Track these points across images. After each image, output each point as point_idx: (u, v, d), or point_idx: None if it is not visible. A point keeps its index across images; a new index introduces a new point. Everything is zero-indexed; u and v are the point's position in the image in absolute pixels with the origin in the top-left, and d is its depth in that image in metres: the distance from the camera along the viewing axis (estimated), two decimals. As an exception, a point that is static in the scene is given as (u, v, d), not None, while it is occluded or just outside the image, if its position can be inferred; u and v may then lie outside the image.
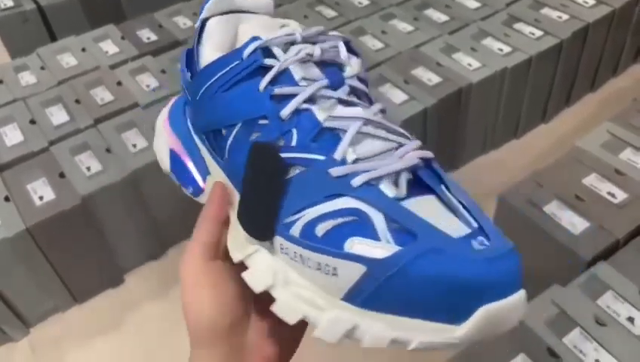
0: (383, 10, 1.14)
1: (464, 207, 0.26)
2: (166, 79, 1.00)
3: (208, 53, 0.33)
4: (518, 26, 1.09)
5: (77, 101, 0.96)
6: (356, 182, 0.25)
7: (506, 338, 0.65)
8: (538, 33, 1.06)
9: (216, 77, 0.31)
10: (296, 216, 0.26)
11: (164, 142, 0.38)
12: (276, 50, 0.30)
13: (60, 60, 1.06)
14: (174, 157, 0.36)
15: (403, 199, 0.26)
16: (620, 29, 1.17)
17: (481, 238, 0.24)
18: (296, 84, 0.29)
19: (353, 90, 0.30)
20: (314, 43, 0.30)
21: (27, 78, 1.03)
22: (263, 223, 0.27)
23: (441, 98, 0.94)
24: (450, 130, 1.02)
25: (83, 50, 1.08)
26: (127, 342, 0.86)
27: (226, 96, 0.30)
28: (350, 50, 0.31)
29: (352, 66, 0.30)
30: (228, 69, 0.30)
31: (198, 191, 0.35)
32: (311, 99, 0.28)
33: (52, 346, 0.88)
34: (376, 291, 0.23)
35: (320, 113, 0.28)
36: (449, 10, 1.13)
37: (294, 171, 0.27)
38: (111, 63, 1.05)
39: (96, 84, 1.00)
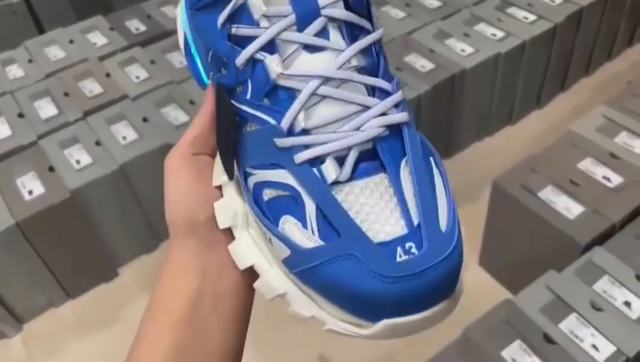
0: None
1: (417, 192, 0.23)
2: (156, 70, 0.99)
3: None
4: (511, 10, 1.07)
5: (65, 94, 0.95)
6: (298, 158, 0.24)
7: (502, 325, 0.65)
8: (532, 17, 1.05)
9: None
10: (253, 171, 0.26)
11: (179, 19, 0.32)
12: None
13: (47, 53, 1.04)
14: (186, 43, 0.31)
15: (345, 182, 0.23)
16: (615, 13, 1.16)
17: (410, 244, 0.22)
18: (255, 23, 0.24)
19: (332, 21, 0.24)
20: None
21: (15, 71, 1.01)
22: (225, 161, 0.26)
23: (434, 84, 0.93)
24: (445, 116, 1.01)
25: (71, 42, 1.07)
26: (121, 336, 0.85)
27: (196, 16, 0.27)
28: None
29: None
30: None
31: (202, 84, 0.31)
32: (270, 45, 0.24)
33: (45, 342, 0.87)
34: (302, 272, 0.23)
35: (274, 67, 0.24)
36: (441, -5, 1.12)
37: (250, 127, 0.26)
38: (99, 55, 1.04)
39: (85, 76, 0.98)
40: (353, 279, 0.22)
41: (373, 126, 0.24)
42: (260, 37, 0.24)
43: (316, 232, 0.23)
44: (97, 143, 0.87)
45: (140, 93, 0.95)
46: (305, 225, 0.23)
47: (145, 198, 0.90)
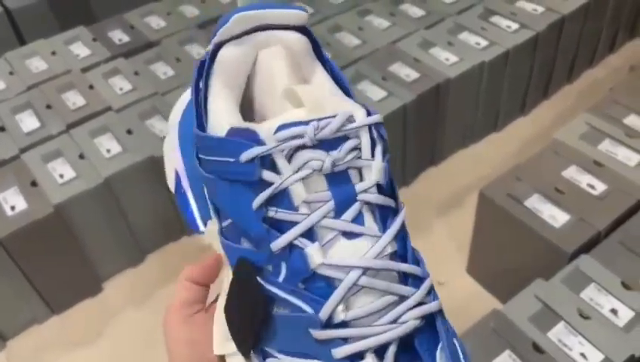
0: (360, 6, 1.13)
1: None
2: (140, 81, 0.98)
3: (217, 89, 0.27)
4: (495, 19, 1.08)
5: (48, 106, 0.94)
6: (337, 353, 0.23)
7: (492, 335, 0.65)
8: (514, 26, 1.06)
9: (214, 158, 0.26)
10: (278, 356, 0.24)
11: (171, 154, 0.31)
12: (279, 161, 0.24)
13: (29, 65, 1.03)
14: (178, 181, 0.30)
15: None
16: (595, 21, 1.18)
17: None
18: (295, 209, 0.24)
19: (366, 205, 0.25)
20: (331, 146, 0.24)
21: (-5, 83, 1.00)
22: (242, 339, 0.25)
23: (419, 94, 0.94)
24: (430, 125, 1.01)
25: (53, 53, 1.05)
26: (106, 352, 0.84)
27: (222, 185, 0.26)
28: (379, 136, 0.26)
29: (373, 172, 0.24)
30: (223, 160, 0.25)
31: (195, 230, 0.30)
32: (309, 232, 0.24)
33: (30, 359, 0.85)
34: None
35: (314, 256, 0.23)
36: (424, 4, 1.13)
37: (278, 309, 0.24)
38: (82, 66, 1.03)
39: (68, 88, 0.97)
40: None
41: (410, 318, 0.23)
42: (300, 223, 0.24)
43: None
44: (81, 156, 0.86)
45: (123, 105, 0.94)
46: None
47: (130, 211, 0.89)
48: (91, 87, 0.98)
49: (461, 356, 0.24)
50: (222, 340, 0.27)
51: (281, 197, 0.24)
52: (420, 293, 0.24)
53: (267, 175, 0.24)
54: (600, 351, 0.62)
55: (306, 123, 0.24)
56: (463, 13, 1.10)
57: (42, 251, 0.82)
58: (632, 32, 1.36)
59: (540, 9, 1.09)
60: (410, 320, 0.23)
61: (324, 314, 0.23)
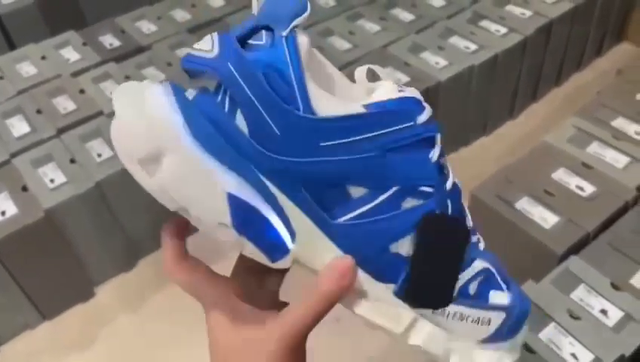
0: (350, 10, 1.13)
1: None
2: (131, 86, 0.98)
3: (312, 85, 0.26)
4: (484, 23, 1.09)
5: (38, 111, 0.93)
6: (481, 246, 0.32)
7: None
8: (503, 30, 1.07)
9: (373, 133, 0.26)
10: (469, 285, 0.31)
11: (203, 181, 0.26)
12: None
13: (19, 69, 1.03)
14: (242, 206, 0.26)
15: None
16: (583, 24, 1.19)
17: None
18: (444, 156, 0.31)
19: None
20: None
21: (-15, 88, 0.99)
22: (443, 293, 0.29)
23: (410, 97, 0.94)
24: (421, 128, 1.02)
25: (43, 57, 1.05)
26: (99, 358, 0.83)
27: (388, 157, 0.27)
28: None
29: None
30: (397, 128, 0.27)
31: (283, 252, 0.27)
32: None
33: (21, 365, 0.85)
34: (507, 329, 0.31)
35: (460, 188, 0.32)
36: (415, 9, 1.14)
37: None
38: (73, 71, 1.02)
39: (58, 92, 0.97)
40: (528, 302, 0.33)
41: None
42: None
43: (505, 289, 0.32)
44: (72, 161, 0.86)
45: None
46: (501, 289, 0.32)
47: (122, 216, 0.89)
48: (82, 91, 0.97)
49: None
50: (392, 318, 0.29)
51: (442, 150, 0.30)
52: None
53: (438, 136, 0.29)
54: (590, 351, 0.63)
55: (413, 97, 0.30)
56: (453, 18, 1.11)
57: (33, 256, 0.82)
58: (620, 35, 1.37)
59: (528, 13, 1.11)
60: None
61: (469, 223, 0.32)
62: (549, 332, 0.65)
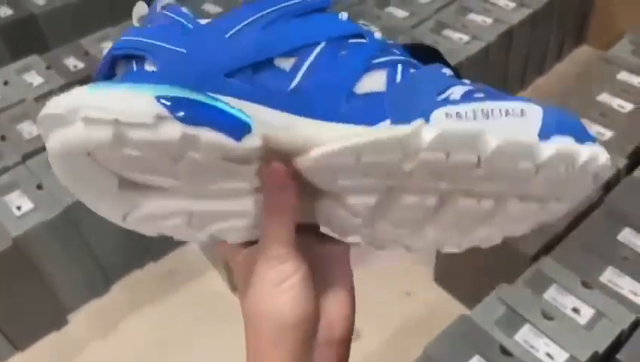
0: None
1: None
2: (97, 108, 0.97)
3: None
4: (447, 32, 1.11)
5: (2, 138, 0.92)
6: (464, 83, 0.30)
7: (461, 340, 0.66)
8: (466, 38, 1.09)
9: (276, 6, 0.28)
10: (449, 92, 0.28)
11: (127, 95, 0.24)
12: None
13: (-20, 96, 1.01)
14: (175, 99, 0.24)
15: None
16: (542, 29, 1.22)
17: None
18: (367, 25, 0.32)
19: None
20: None
21: (-55, 116, 0.97)
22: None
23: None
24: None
25: (5, 83, 1.03)
26: (74, 386, 0.82)
27: (297, 22, 0.28)
28: None
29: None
30: (286, 4, 0.28)
31: (244, 128, 0.25)
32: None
33: (-7, 400, 0.82)
34: (557, 125, 0.28)
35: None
36: (379, 21, 1.15)
37: (412, 70, 0.29)
38: (36, 95, 1.01)
39: (22, 118, 0.95)
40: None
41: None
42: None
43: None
44: (39, 187, 0.84)
45: (81, 133, 0.93)
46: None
47: (92, 240, 0.87)
48: (47, 115, 0.96)
49: None
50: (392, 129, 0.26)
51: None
52: None
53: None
54: (565, 349, 0.64)
55: None
56: (417, 28, 1.13)
57: (3, 286, 0.80)
58: (579, 39, 1.41)
59: (489, 20, 1.13)
60: None
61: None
62: (524, 334, 0.66)
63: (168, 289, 0.93)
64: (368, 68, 0.28)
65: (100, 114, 0.23)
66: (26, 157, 0.89)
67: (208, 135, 0.24)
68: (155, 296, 0.92)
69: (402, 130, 0.25)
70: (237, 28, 0.27)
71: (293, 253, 0.27)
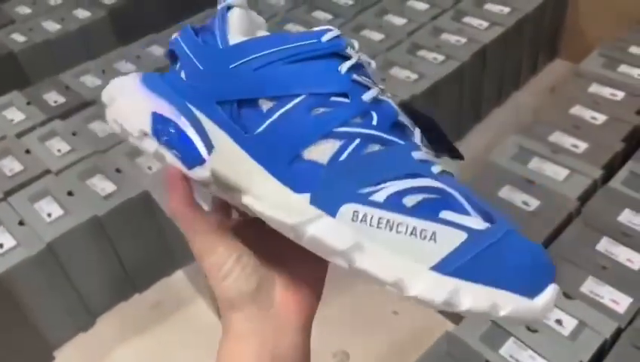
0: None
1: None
2: (78, 142, 0.97)
3: (235, 35, 0.32)
4: (421, 53, 1.14)
5: (-17, 175, 0.92)
6: (436, 169, 0.29)
7: (446, 357, 0.66)
8: (440, 58, 1.11)
9: (276, 49, 0.30)
10: (379, 187, 0.27)
11: (135, 105, 0.32)
12: (348, 47, 0.31)
13: (-40, 134, 1.01)
14: (162, 120, 0.30)
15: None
16: (516, 46, 1.25)
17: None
18: (369, 77, 0.31)
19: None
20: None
21: None
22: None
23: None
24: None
25: (-15, 121, 1.03)
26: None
27: (293, 68, 0.30)
28: None
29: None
30: (298, 44, 0.30)
31: (198, 160, 0.29)
32: (382, 93, 0.31)
33: None
34: (469, 261, 0.25)
35: (397, 109, 0.31)
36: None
37: (373, 148, 0.29)
38: (17, 131, 1.01)
39: (3, 154, 0.95)
40: (531, 246, 0.27)
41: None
42: (375, 87, 0.31)
43: (479, 218, 0.27)
44: (21, 223, 0.84)
45: (62, 167, 0.93)
46: (467, 213, 0.27)
47: (76, 275, 0.87)
48: (28, 151, 0.96)
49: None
50: (290, 211, 0.27)
51: (359, 68, 0.31)
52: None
53: (348, 50, 0.30)
54: (549, 361, 0.65)
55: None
56: (392, 50, 1.15)
57: (-15, 326, 0.79)
58: (552, 53, 1.45)
59: (463, 40, 1.16)
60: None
61: (416, 140, 0.30)
62: (509, 348, 0.67)
63: (155, 321, 0.93)
64: (327, 134, 0.28)
65: (114, 116, 0.32)
66: (8, 193, 0.89)
67: (171, 157, 0.30)
68: (141, 328, 0.92)
69: (294, 219, 0.27)
70: (240, 61, 0.30)
71: (220, 241, 0.31)
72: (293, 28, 1.23)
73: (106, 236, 0.87)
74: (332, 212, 0.27)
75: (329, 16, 1.27)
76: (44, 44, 1.27)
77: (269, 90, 0.29)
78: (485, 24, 1.19)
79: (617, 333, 0.67)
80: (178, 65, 0.33)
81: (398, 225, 0.26)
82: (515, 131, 0.95)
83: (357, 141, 0.28)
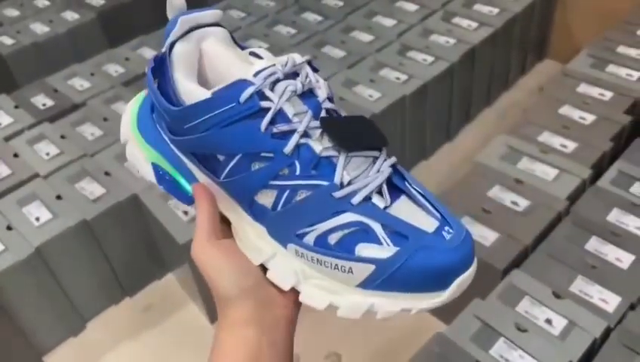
0: (282, 52, 1.16)
1: (424, 197, 0.34)
2: (66, 145, 0.97)
3: (184, 82, 0.36)
4: (411, 54, 1.14)
5: (-30, 180, 0.91)
6: (356, 200, 0.32)
7: (437, 358, 0.66)
8: (430, 59, 1.12)
9: (210, 115, 0.34)
10: (309, 229, 0.33)
11: (140, 154, 0.40)
12: (267, 92, 0.33)
13: (-53, 138, 1.00)
14: (160, 171, 0.39)
15: (388, 206, 0.33)
16: (504, 47, 1.26)
17: (447, 228, 0.32)
18: (290, 121, 0.33)
19: (328, 112, 0.35)
20: (293, 76, 0.34)
21: None
22: (346, 141, 0.33)
23: (347, 131, 0.96)
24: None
25: (-27, 124, 1.03)
26: None
27: (224, 131, 0.34)
28: (313, 69, 0.36)
29: (322, 89, 0.35)
30: (223, 109, 0.33)
31: (189, 201, 0.38)
32: (305, 133, 0.33)
33: None
34: (382, 281, 0.31)
35: (316, 146, 0.33)
36: (345, 45, 1.17)
37: (301, 195, 0.33)
38: (5, 135, 1.00)
39: (-9, 158, 0.95)
40: (433, 259, 0.31)
41: (386, 167, 0.34)
42: (298, 129, 0.33)
43: (390, 243, 0.32)
44: (9, 228, 0.83)
45: (51, 171, 0.92)
46: (379, 243, 0.32)
47: (66, 279, 0.86)
48: (16, 155, 0.95)
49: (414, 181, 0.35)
50: (254, 250, 0.35)
51: (279, 116, 0.33)
52: (384, 153, 0.35)
53: (265, 103, 0.33)
54: (539, 361, 0.65)
55: (272, 65, 0.34)
56: (382, 51, 1.15)
57: (-27, 332, 0.78)
58: (541, 53, 1.45)
59: (452, 41, 1.16)
60: (387, 169, 0.34)
61: (337, 179, 0.33)
62: (499, 348, 0.67)
63: (146, 325, 0.92)
64: (265, 186, 0.34)
65: (131, 160, 0.41)
66: (-4, 198, 0.88)
67: (174, 199, 0.41)
68: (132, 332, 0.91)
69: (255, 257, 0.35)
70: (191, 123, 0.35)
71: (215, 235, 0.35)
72: (283, 29, 1.23)
73: (96, 240, 0.87)
74: (284, 246, 0.34)
75: (318, 18, 1.27)
76: (32, 46, 1.27)
77: (217, 150, 0.35)
78: (474, 25, 1.20)
79: (607, 333, 0.67)
80: (155, 104, 0.38)
81: (324, 262, 0.33)
82: (504, 131, 0.96)
83: (287, 192, 0.33)
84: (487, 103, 1.32)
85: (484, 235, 0.78)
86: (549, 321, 0.69)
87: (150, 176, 0.39)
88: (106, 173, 0.91)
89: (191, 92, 0.35)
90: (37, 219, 0.84)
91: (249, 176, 0.34)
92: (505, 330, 0.68)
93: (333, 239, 0.33)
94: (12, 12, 1.39)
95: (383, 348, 0.87)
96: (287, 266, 0.34)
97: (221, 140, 0.34)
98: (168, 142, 0.37)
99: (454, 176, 0.88)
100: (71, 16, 1.35)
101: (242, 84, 0.33)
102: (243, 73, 0.34)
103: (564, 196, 0.83)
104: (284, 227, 0.34)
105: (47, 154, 0.96)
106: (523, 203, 0.82)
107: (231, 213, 0.37)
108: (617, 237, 0.76)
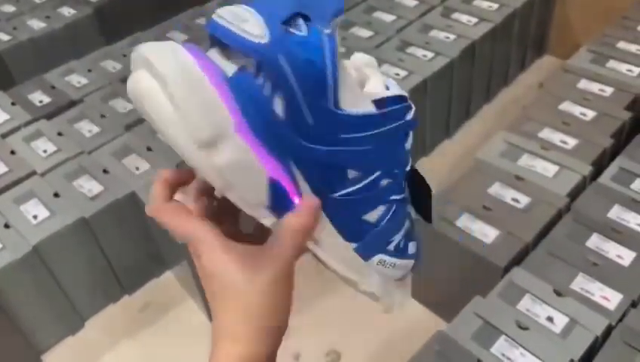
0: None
1: None
2: (64, 142, 0.96)
3: (353, 85, 0.31)
4: (411, 49, 1.13)
5: (-33, 177, 0.90)
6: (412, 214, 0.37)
7: (438, 357, 0.66)
8: (430, 55, 1.11)
9: (381, 129, 0.32)
10: (391, 239, 0.35)
11: (253, 167, 0.29)
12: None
13: (-57, 136, 0.99)
14: (277, 190, 0.30)
15: None
16: (504, 42, 1.25)
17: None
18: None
19: None
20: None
21: None
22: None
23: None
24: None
25: (-31, 121, 1.02)
26: None
27: (385, 148, 0.32)
28: None
29: None
30: (392, 126, 0.32)
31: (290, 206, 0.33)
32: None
33: None
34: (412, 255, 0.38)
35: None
36: (345, 41, 1.17)
37: (402, 209, 0.35)
38: (2, 132, 1.00)
39: (-12, 156, 0.94)
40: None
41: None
42: None
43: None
44: (6, 226, 0.83)
45: (48, 168, 0.92)
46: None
47: (64, 278, 0.86)
48: (13, 152, 0.95)
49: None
50: (356, 270, 0.35)
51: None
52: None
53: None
54: (540, 359, 0.65)
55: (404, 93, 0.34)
56: (381, 47, 1.15)
57: (-29, 331, 0.78)
58: (541, 49, 1.45)
59: (452, 37, 1.15)
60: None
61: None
62: (500, 346, 0.66)
63: (145, 323, 0.92)
64: (384, 202, 0.34)
65: (227, 178, 0.31)
66: (-7, 196, 0.87)
67: (273, 223, 0.34)
68: (131, 330, 0.91)
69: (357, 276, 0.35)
70: (352, 135, 0.31)
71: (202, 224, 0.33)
72: (281, 25, 1.22)
73: (94, 238, 0.86)
74: (365, 258, 0.35)
75: (317, 13, 1.26)
76: (28, 42, 1.26)
77: (358, 166, 0.32)
78: (474, 20, 1.19)
79: (608, 330, 0.67)
80: (262, 81, 0.28)
81: (394, 265, 0.36)
82: (504, 127, 0.95)
83: (394, 206, 0.34)
84: (486, 100, 1.32)
85: (485, 232, 0.78)
86: (550, 319, 0.68)
87: (261, 197, 0.31)
88: (104, 171, 0.90)
89: (349, 94, 0.30)
90: (34, 217, 0.84)
91: (376, 192, 0.33)
92: (506, 328, 0.67)
93: (396, 246, 0.37)
94: (8, 8, 1.38)
95: (383, 347, 0.86)
96: (381, 282, 0.36)
97: (375, 156, 0.32)
98: (289, 149, 0.29)
99: (454, 173, 0.88)
100: (68, 11, 1.34)
101: (405, 102, 0.34)
102: (380, 90, 0.33)
103: (564, 193, 0.82)
104: (379, 240, 0.35)
105: (45, 151, 0.95)
106: (524, 200, 0.82)
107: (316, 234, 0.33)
108: (618, 234, 0.76)
